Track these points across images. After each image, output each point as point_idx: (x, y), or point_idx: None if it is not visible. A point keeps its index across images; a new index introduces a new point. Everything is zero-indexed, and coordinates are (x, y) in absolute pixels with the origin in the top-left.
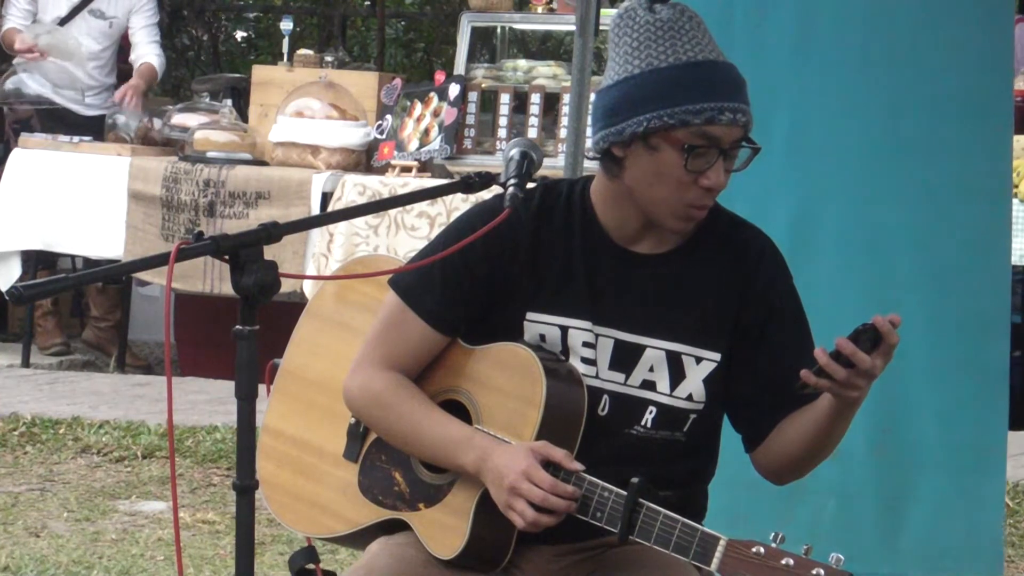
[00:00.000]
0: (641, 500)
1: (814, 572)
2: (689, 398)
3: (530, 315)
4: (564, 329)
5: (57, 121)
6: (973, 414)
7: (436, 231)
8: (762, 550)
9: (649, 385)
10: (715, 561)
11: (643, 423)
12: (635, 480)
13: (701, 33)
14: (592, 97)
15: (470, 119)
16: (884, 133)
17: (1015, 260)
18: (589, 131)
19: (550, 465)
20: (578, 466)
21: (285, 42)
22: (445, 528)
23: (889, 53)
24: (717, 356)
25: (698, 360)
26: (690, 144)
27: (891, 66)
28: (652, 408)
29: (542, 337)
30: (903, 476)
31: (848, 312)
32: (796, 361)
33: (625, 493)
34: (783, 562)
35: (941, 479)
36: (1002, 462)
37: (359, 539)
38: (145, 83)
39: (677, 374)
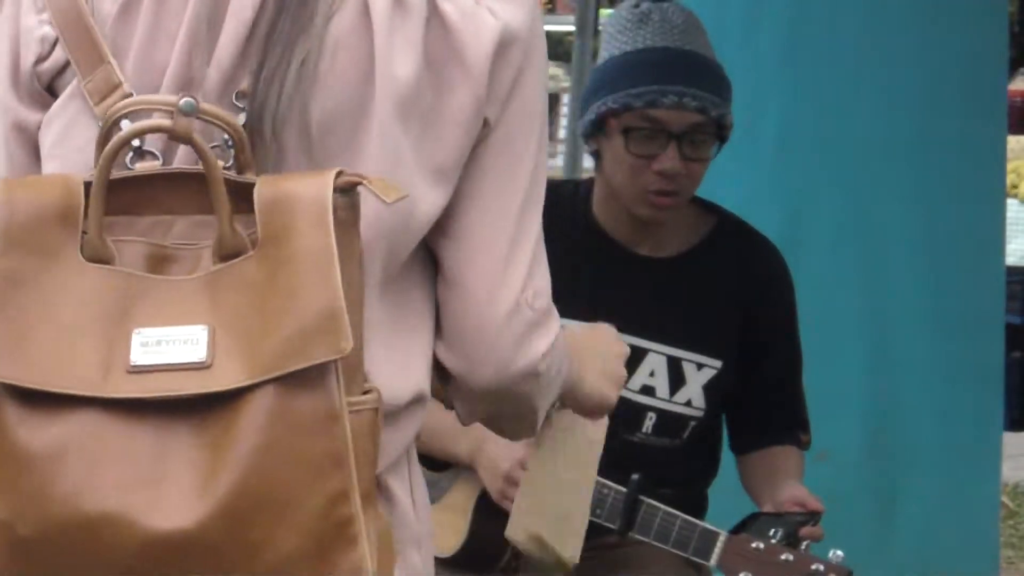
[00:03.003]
0: (641, 496)
1: (813, 567)
2: (688, 404)
3: None
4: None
5: None
6: (968, 415)
7: None
8: (761, 545)
9: (648, 390)
10: (715, 556)
11: (643, 430)
12: (635, 476)
13: (671, 24)
14: None
15: None
16: (877, 132)
17: (1015, 261)
18: None
19: None
20: None
21: None
22: (444, 526)
23: (882, 52)
24: (719, 363)
25: (699, 366)
26: (628, 127)
27: (884, 65)
28: (652, 415)
29: None
30: (896, 477)
31: (840, 312)
32: (785, 383)
33: (624, 490)
34: (782, 557)
35: (935, 480)
36: (997, 463)
37: None
38: None
39: (677, 379)
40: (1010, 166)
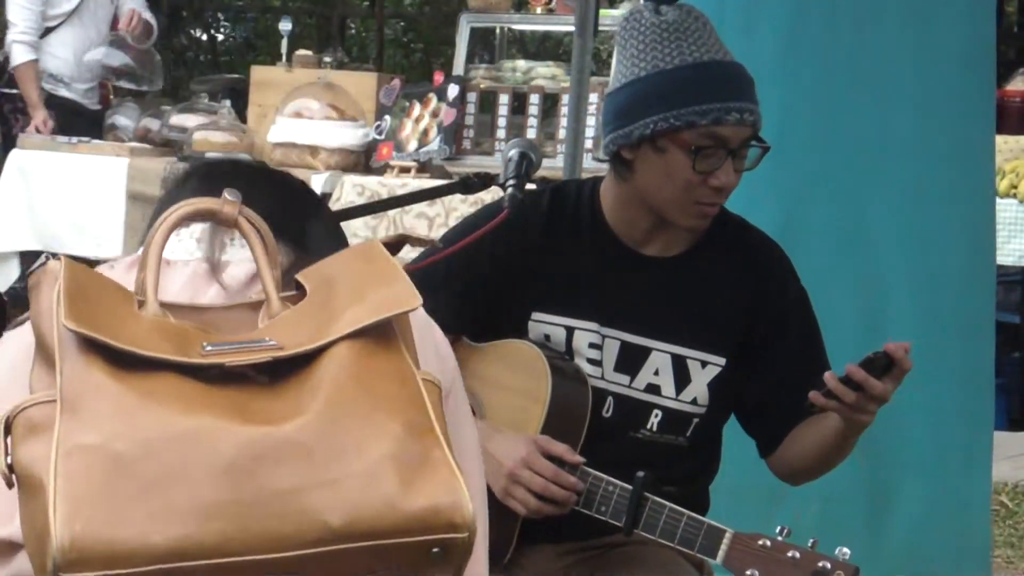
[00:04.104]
0: (646, 494)
1: (820, 565)
2: (694, 402)
3: (535, 315)
4: (570, 330)
5: (73, 117)
6: (959, 416)
7: (435, 232)
8: (768, 543)
9: (654, 389)
10: (721, 553)
11: (648, 427)
12: (640, 474)
13: (707, 34)
14: (592, 98)
15: (469, 120)
16: (871, 134)
17: (1015, 261)
18: (590, 131)
19: (551, 459)
20: (579, 459)
21: (284, 43)
22: None
23: (877, 54)
24: (722, 360)
25: (703, 364)
26: (697, 145)
27: (879, 67)
28: (658, 412)
29: (547, 337)
30: (888, 478)
31: (836, 313)
32: (807, 371)
33: (630, 487)
34: (789, 555)
35: (927, 481)
36: (988, 462)
37: None
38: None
39: (682, 378)
40: (1010, 166)
